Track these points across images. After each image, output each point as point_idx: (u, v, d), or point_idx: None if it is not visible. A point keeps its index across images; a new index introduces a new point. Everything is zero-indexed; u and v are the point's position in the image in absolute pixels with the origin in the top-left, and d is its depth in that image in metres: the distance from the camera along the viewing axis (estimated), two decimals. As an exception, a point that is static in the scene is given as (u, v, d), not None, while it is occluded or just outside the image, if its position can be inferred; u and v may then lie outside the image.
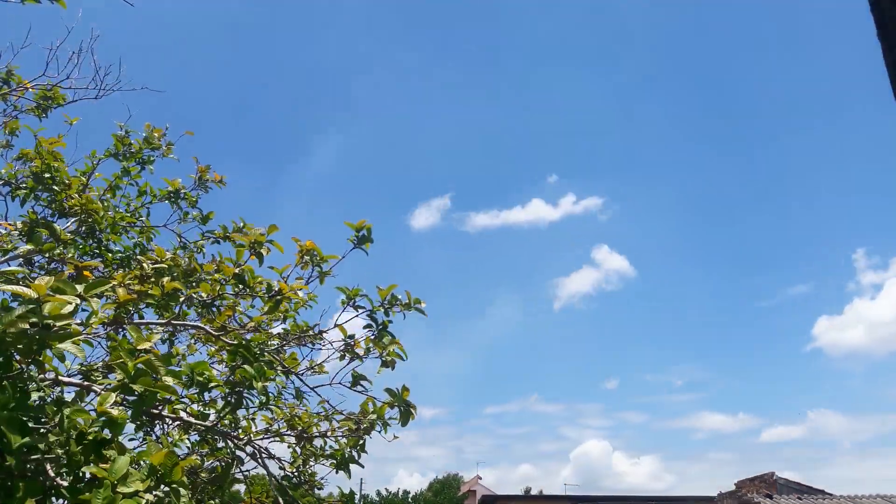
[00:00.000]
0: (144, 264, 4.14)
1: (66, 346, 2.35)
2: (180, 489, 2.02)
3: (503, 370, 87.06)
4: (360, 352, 3.76)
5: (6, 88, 4.62)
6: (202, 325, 3.94)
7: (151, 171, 4.90)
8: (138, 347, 2.55)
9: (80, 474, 2.27)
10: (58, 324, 2.38)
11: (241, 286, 3.87)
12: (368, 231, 3.61)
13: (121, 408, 2.25)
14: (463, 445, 79.30)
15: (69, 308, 2.48)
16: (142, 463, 2.19)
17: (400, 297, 3.60)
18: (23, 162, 4.30)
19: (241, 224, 4.22)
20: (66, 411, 2.24)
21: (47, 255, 4.09)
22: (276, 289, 3.72)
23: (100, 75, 5.12)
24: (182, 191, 4.79)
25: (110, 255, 4.53)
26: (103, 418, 2.16)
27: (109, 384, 2.44)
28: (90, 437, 2.13)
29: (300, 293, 3.74)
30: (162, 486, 2.00)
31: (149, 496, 1.94)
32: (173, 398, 3.40)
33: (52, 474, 2.52)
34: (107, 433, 2.20)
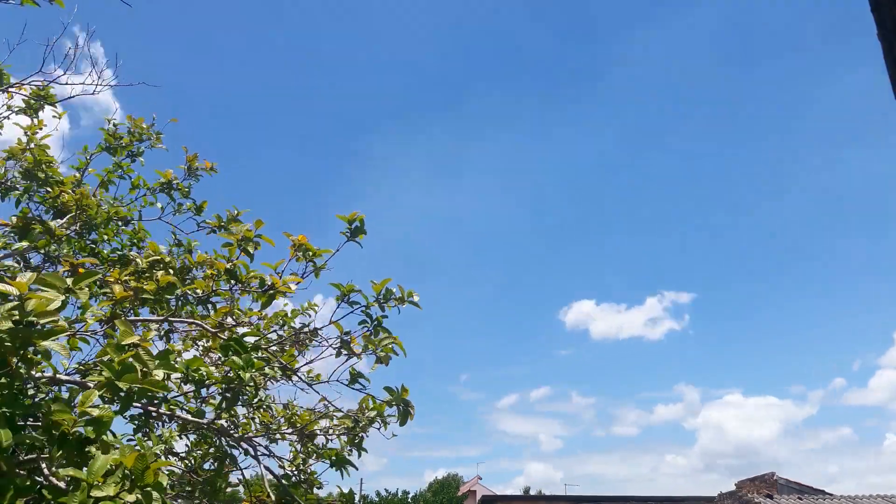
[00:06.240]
0: (139, 260, 4.10)
1: (51, 344, 2.31)
2: (152, 492, 1.96)
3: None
4: (357, 349, 3.71)
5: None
6: (199, 322, 3.90)
7: (142, 163, 4.84)
8: (124, 342, 2.51)
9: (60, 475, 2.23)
10: (42, 321, 2.33)
11: (233, 281, 3.82)
12: (361, 223, 3.55)
13: (105, 406, 2.20)
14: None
15: (55, 304, 2.43)
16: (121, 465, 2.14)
17: (394, 290, 3.54)
18: (14, 161, 4.26)
19: (236, 212, 4.17)
20: (51, 410, 2.19)
21: (42, 251, 4.05)
22: (269, 283, 3.66)
23: (97, 70, 5.08)
24: (174, 181, 4.74)
25: (105, 252, 4.49)
26: (86, 417, 2.11)
27: (95, 382, 2.40)
28: (72, 438, 2.08)
29: (292, 286, 3.69)
30: (136, 490, 1.94)
31: (130, 497, 1.89)
32: (164, 395, 3.37)
33: (47, 472, 2.48)
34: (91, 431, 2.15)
